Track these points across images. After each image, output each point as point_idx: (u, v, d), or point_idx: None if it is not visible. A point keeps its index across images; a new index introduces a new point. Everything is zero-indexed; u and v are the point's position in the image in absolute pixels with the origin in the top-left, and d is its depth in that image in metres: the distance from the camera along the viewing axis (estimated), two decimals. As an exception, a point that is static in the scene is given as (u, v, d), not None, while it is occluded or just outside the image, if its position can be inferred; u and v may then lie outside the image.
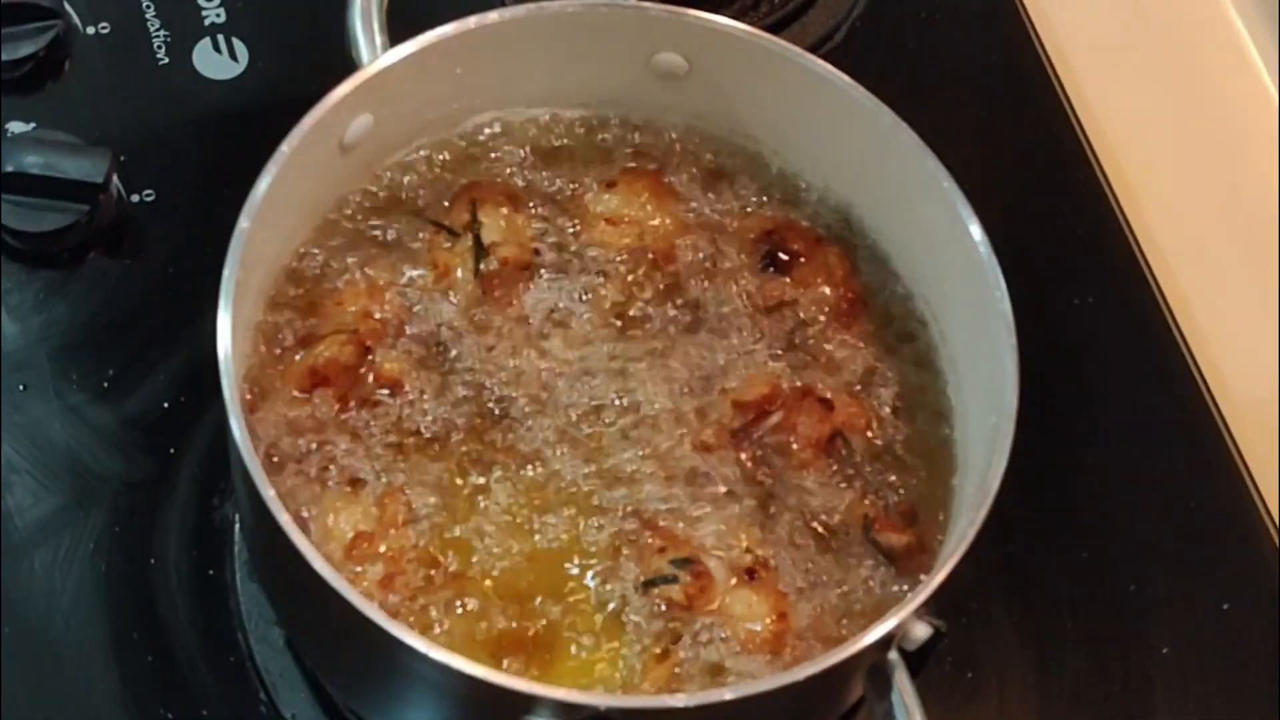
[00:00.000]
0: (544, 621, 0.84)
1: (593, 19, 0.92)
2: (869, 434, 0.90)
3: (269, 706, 0.94)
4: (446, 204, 0.94)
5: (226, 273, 0.82)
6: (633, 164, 0.96)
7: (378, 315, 0.90)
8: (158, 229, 1.05)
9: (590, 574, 0.85)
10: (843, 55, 1.14)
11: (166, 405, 1.00)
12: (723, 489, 0.88)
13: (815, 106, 0.92)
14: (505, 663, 0.83)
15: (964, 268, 0.88)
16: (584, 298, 0.92)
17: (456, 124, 0.95)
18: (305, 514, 0.85)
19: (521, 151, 0.96)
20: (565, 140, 0.97)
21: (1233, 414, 1.08)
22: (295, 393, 0.87)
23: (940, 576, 0.79)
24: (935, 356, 0.92)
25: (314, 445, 0.86)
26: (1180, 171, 1.18)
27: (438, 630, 0.83)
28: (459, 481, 0.87)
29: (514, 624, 0.84)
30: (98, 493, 0.98)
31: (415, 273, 0.92)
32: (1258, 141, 1.19)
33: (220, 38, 1.11)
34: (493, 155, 0.96)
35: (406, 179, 0.94)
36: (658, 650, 0.83)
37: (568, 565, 0.85)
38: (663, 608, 0.84)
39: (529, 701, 0.75)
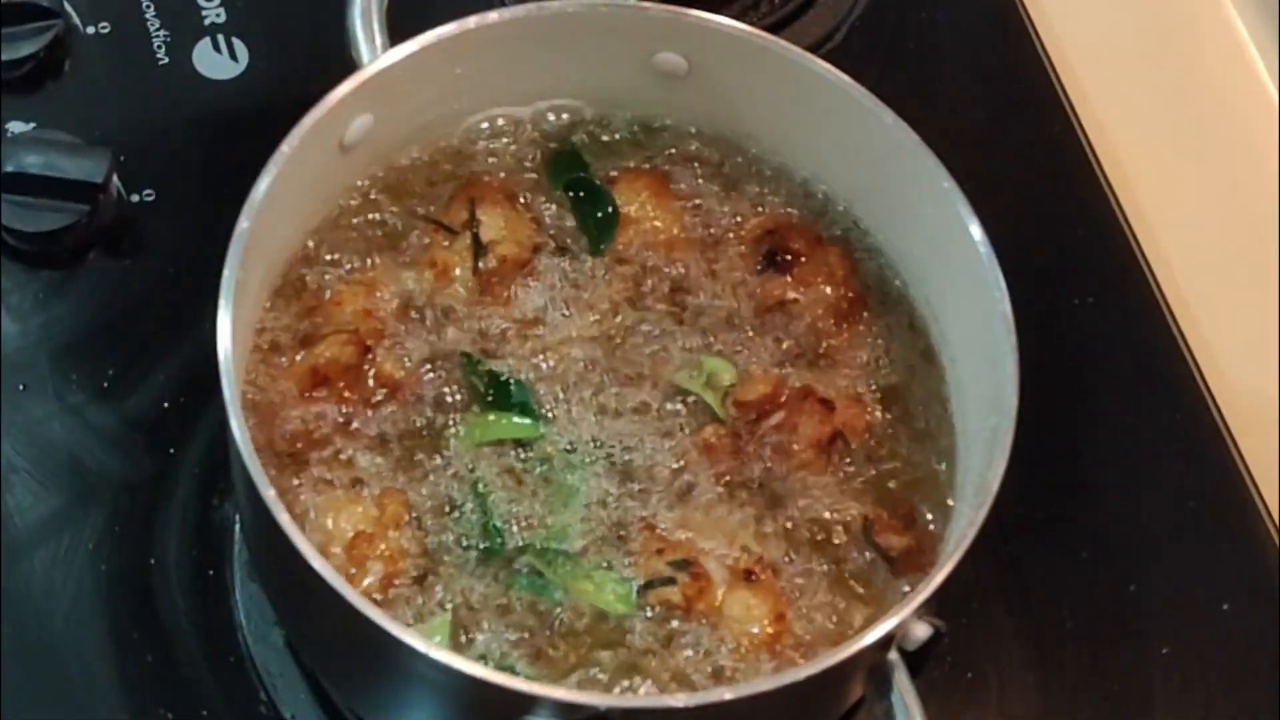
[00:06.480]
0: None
1: (593, 19, 0.92)
2: (869, 434, 0.90)
3: (269, 706, 0.93)
4: (446, 203, 0.94)
5: (226, 273, 0.82)
6: (632, 163, 0.96)
7: (378, 315, 0.90)
8: (158, 229, 1.05)
9: (589, 575, 0.85)
10: (843, 55, 1.14)
11: (166, 405, 1.00)
12: (722, 489, 0.88)
13: (815, 106, 0.92)
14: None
15: (964, 268, 0.88)
16: (583, 296, 0.92)
17: (456, 123, 0.95)
18: (305, 514, 0.85)
19: (521, 151, 0.96)
20: (565, 140, 0.97)
21: (1233, 414, 1.08)
22: (296, 393, 0.87)
23: (940, 576, 0.79)
24: (935, 357, 0.92)
25: (314, 445, 0.86)
26: (1180, 171, 1.18)
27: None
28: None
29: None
30: (98, 493, 0.97)
31: (415, 272, 0.92)
32: (1258, 141, 1.19)
33: (220, 38, 1.11)
34: (492, 154, 0.96)
35: (406, 178, 0.94)
36: (656, 651, 0.83)
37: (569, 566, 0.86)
38: (658, 609, 0.84)
39: (529, 701, 0.75)
